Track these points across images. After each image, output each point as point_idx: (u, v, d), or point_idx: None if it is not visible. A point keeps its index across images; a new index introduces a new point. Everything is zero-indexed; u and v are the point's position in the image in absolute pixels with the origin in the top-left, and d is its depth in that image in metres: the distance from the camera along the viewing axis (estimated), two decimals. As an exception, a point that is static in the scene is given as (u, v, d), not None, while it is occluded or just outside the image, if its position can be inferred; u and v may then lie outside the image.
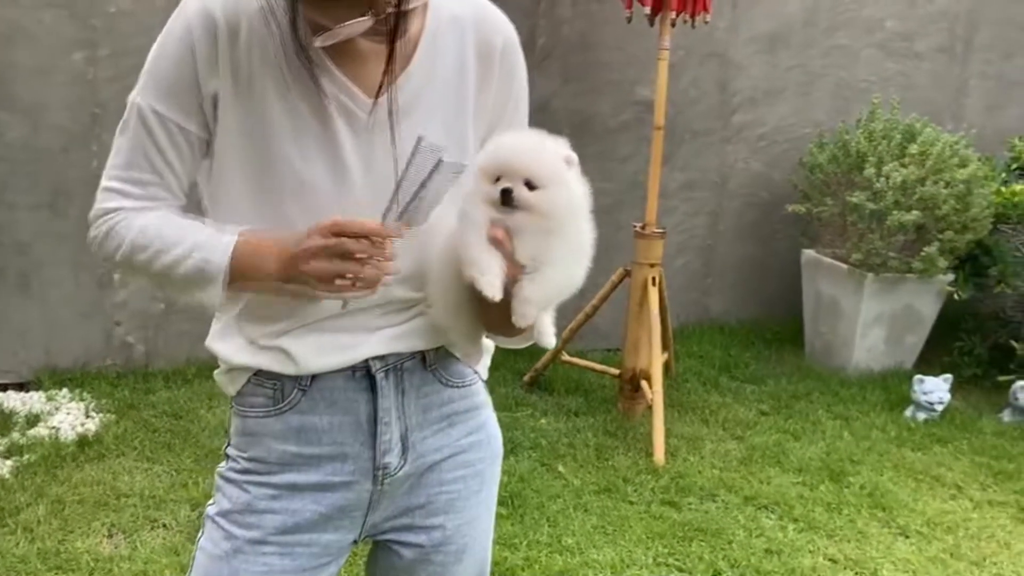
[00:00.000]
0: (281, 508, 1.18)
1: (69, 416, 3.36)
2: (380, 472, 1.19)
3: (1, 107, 3.37)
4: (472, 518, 1.27)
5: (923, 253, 3.90)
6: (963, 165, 3.93)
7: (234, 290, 1.10)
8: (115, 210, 1.11)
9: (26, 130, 3.41)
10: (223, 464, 1.24)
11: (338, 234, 1.01)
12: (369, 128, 1.10)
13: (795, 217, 4.41)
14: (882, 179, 3.90)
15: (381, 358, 1.16)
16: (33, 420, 3.30)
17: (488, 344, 1.29)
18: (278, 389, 1.17)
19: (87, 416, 3.38)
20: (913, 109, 4.46)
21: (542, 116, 4.62)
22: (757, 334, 4.67)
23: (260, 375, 1.18)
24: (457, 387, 1.24)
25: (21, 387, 3.58)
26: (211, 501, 1.24)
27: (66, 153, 3.46)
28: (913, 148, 3.95)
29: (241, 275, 1.08)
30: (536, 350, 3.93)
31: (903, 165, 3.93)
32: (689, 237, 4.64)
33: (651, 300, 3.52)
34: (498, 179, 1.06)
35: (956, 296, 4.09)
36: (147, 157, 1.10)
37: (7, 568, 2.46)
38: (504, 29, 1.17)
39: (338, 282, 1.03)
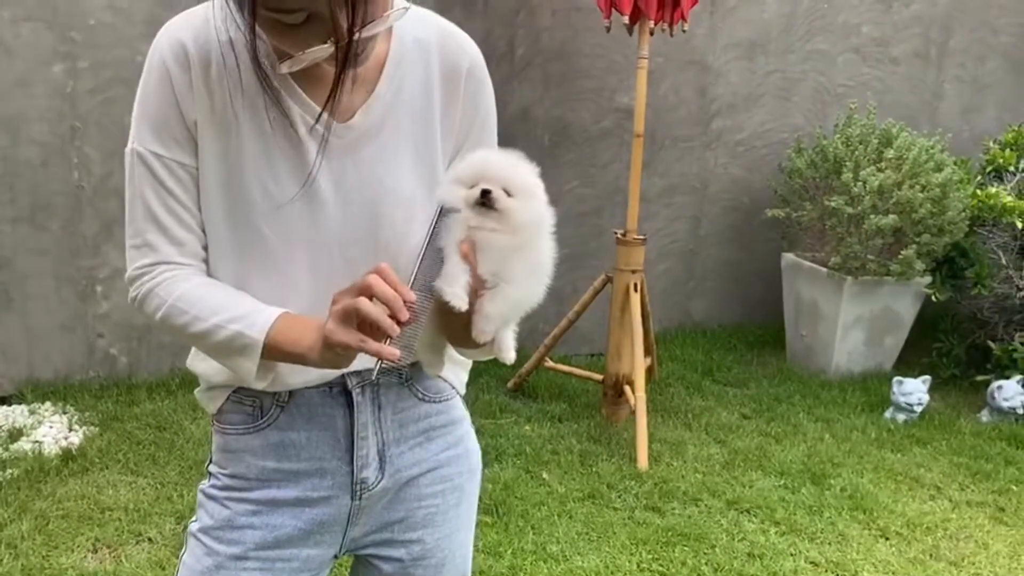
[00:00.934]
0: (261, 524, 1.20)
1: (52, 430, 3.35)
2: (358, 487, 1.21)
3: (-20, 121, 3.37)
4: (451, 532, 1.29)
5: (900, 256, 3.95)
6: (939, 169, 3.98)
7: (270, 361, 1.10)
8: (150, 267, 1.12)
9: (5, 143, 3.41)
10: (205, 481, 1.26)
11: (362, 294, 1.00)
12: (340, 151, 1.12)
13: (775, 221, 4.45)
14: (859, 184, 3.95)
15: (357, 374, 1.18)
16: (16, 434, 3.29)
17: (465, 359, 1.31)
18: (257, 406, 1.19)
19: (70, 429, 3.37)
20: (890, 114, 4.52)
21: (523, 124, 4.63)
22: (739, 338, 4.71)
23: (239, 392, 1.19)
24: (434, 402, 1.25)
25: (3, 401, 3.57)
26: (194, 518, 1.25)
27: (46, 166, 3.46)
28: (890, 153, 4.00)
29: (277, 348, 1.08)
30: (520, 355, 3.96)
31: (880, 170, 3.97)
32: (671, 242, 4.67)
33: (633, 306, 3.55)
34: (474, 186, 1.09)
35: (934, 298, 4.14)
36: (161, 202, 1.11)
37: (-10, 584, 2.45)
38: (470, 52, 1.19)
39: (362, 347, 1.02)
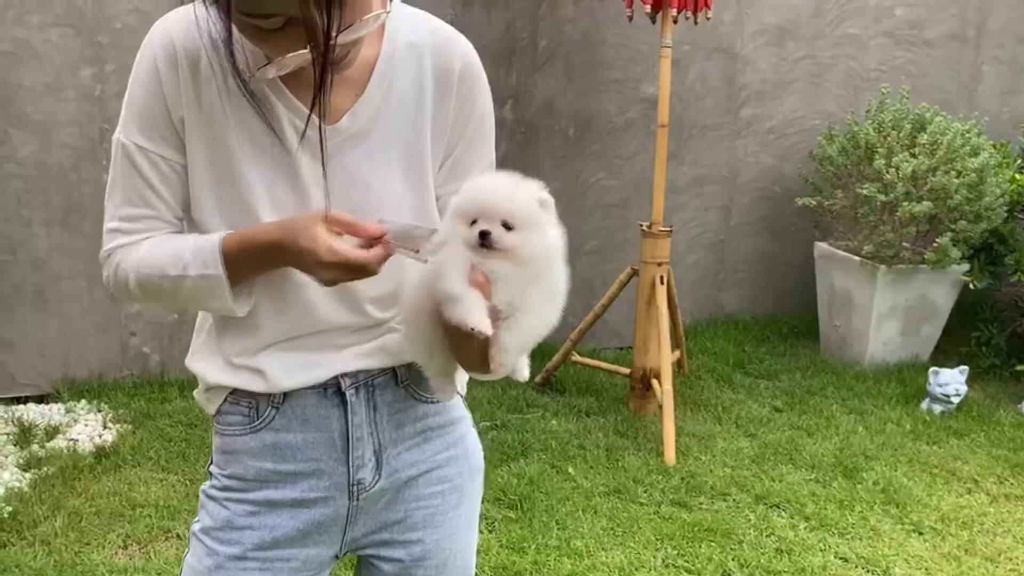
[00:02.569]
0: (260, 524, 1.20)
1: (87, 427, 3.42)
2: (355, 488, 1.20)
3: (13, 125, 3.43)
4: (451, 532, 1.28)
5: (936, 244, 3.85)
6: (975, 153, 3.87)
7: (246, 283, 1.12)
8: (116, 248, 1.14)
9: (37, 147, 3.48)
10: (206, 482, 1.27)
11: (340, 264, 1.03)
12: (327, 154, 1.11)
13: (807, 210, 4.37)
14: (892, 170, 3.86)
15: (351, 375, 1.18)
16: (52, 432, 3.36)
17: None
18: (253, 407, 1.19)
19: (104, 427, 3.43)
20: (925, 98, 4.41)
21: (547, 117, 4.62)
22: (772, 329, 4.64)
23: (236, 394, 1.20)
24: (432, 402, 1.24)
25: (41, 399, 3.65)
26: (196, 519, 1.27)
27: (77, 169, 3.52)
28: (923, 138, 3.90)
29: (241, 266, 1.09)
30: (547, 350, 3.94)
31: (913, 156, 3.88)
32: (700, 233, 4.62)
33: (659, 299, 3.51)
34: (474, 221, 1.06)
35: (972, 286, 4.04)
36: (138, 193, 1.13)
37: (24, 580, 2.51)
38: (464, 55, 1.18)
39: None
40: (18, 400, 3.62)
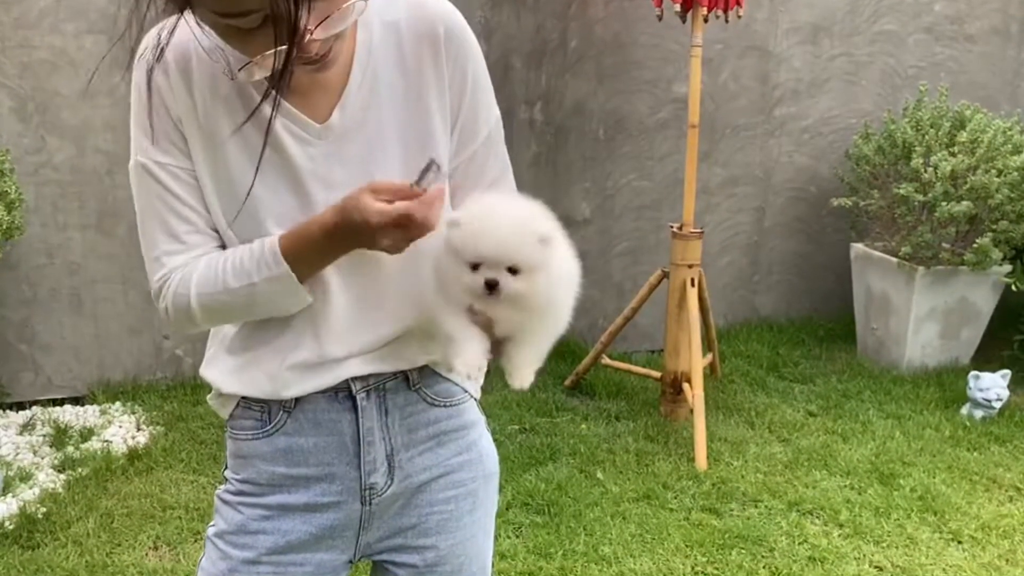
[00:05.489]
0: (273, 528, 1.20)
1: (121, 429, 3.47)
2: (367, 492, 1.19)
3: (49, 131, 3.49)
4: (466, 538, 1.26)
5: (976, 245, 3.75)
6: (1017, 152, 3.77)
7: (313, 276, 1.10)
8: (168, 275, 1.13)
9: (72, 153, 3.53)
10: (221, 486, 1.27)
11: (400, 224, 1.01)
12: (325, 153, 1.10)
13: (843, 211, 4.29)
14: (930, 169, 3.77)
15: (362, 379, 1.16)
16: (87, 434, 3.41)
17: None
18: (265, 412, 1.19)
19: (138, 429, 3.47)
20: (965, 95, 4.30)
21: (577, 118, 4.58)
22: (807, 332, 4.56)
23: (248, 399, 1.19)
24: (444, 406, 1.23)
25: (77, 401, 3.71)
26: (211, 523, 1.26)
27: (111, 174, 3.57)
28: (963, 136, 3.81)
29: (304, 261, 1.08)
30: (577, 352, 3.90)
31: (952, 154, 3.78)
32: (734, 234, 4.55)
33: (690, 302, 3.46)
34: (477, 266, 1.02)
35: (1014, 287, 3.92)
36: (171, 210, 1.11)
37: (56, 581, 2.54)
38: (444, 17, 1.13)
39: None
40: (54, 402, 3.68)
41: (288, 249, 1.07)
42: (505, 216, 1.04)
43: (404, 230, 1.02)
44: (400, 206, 1.00)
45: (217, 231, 1.14)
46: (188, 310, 1.12)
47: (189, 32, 1.06)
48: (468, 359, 1.03)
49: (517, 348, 1.06)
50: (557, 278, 1.06)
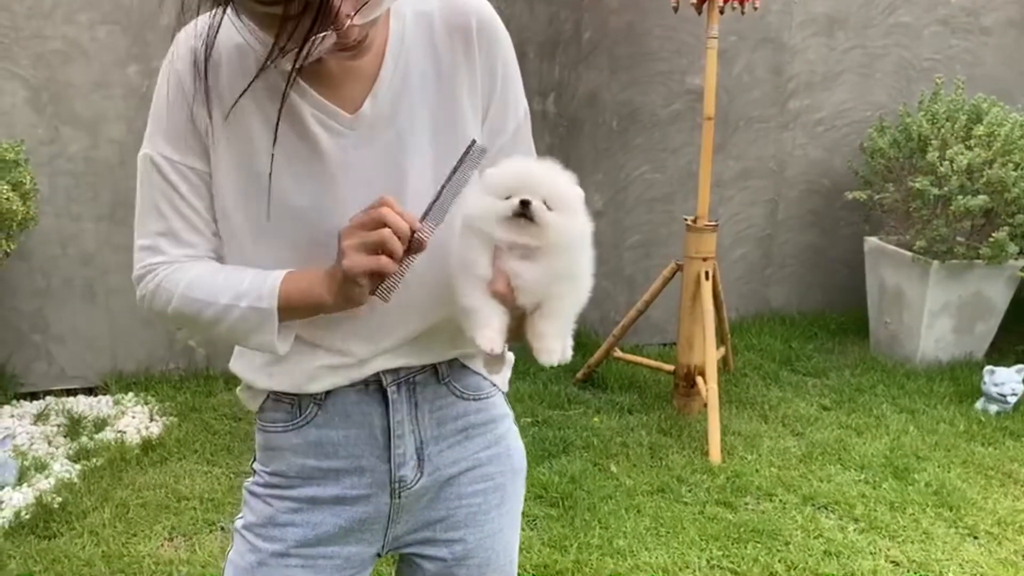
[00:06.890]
0: (302, 521, 1.19)
1: (135, 420, 3.47)
2: (397, 485, 1.19)
3: (63, 122, 3.49)
4: (494, 531, 1.26)
5: (992, 238, 3.74)
6: (1034, 145, 3.74)
7: (289, 324, 1.09)
8: (157, 265, 1.11)
9: (86, 144, 3.53)
10: (249, 479, 1.26)
11: (382, 224, 1.00)
12: (356, 143, 1.09)
13: (857, 204, 4.27)
14: (946, 163, 3.75)
15: (392, 371, 1.16)
16: (101, 424, 3.41)
17: (509, 356, 1.28)
18: (295, 404, 1.18)
19: (151, 420, 3.48)
20: (981, 88, 4.28)
21: (590, 109, 4.56)
22: (820, 325, 4.55)
23: (278, 392, 1.18)
24: (472, 400, 1.22)
25: (90, 392, 3.71)
26: (240, 515, 1.26)
27: (124, 165, 3.57)
28: (979, 129, 3.78)
29: (291, 306, 1.07)
30: (589, 345, 3.90)
31: (968, 148, 3.76)
32: (747, 227, 4.54)
33: (704, 295, 3.45)
34: (509, 197, 1.03)
35: (1030, 282, 3.91)
36: (172, 206, 1.10)
37: (73, 571, 2.54)
38: (477, 10, 1.13)
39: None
40: (68, 392, 3.69)
41: (288, 292, 1.06)
42: (542, 161, 1.08)
43: (370, 235, 1.00)
44: (370, 215, 1.00)
45: (215, 235, 1.12)
46: (165, 306, 1.11)
47: (223, 28, 1.05)
48: (488, 333, 1.02)
49: (543, 318, 1.05)
50: (583, 231, 1.06)
